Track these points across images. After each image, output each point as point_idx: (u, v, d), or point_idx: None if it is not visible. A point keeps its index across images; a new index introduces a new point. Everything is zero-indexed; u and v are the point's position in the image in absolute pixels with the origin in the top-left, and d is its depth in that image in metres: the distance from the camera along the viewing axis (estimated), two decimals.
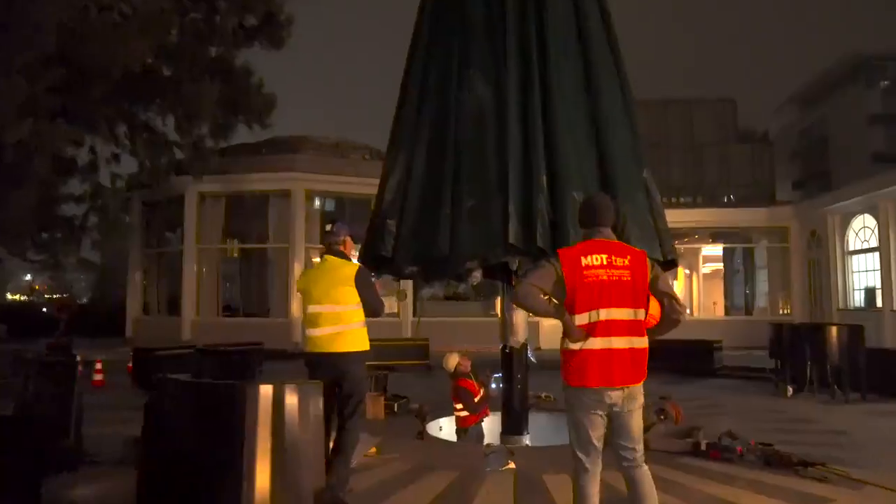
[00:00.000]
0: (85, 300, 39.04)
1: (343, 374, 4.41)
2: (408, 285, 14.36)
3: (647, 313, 3.38)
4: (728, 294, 21.83)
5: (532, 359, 7.39)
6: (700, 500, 4.66)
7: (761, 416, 7.96)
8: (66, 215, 14.75)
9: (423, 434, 6.73)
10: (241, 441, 2.99)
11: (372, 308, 4.56)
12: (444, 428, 8.00)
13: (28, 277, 56.16)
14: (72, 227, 14.52)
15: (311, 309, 4.50)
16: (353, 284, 4.41)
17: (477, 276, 6.06)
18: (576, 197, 5.79)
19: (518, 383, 7.19)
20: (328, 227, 4.67)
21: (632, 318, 3.32)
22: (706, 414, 7.68)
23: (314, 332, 4.46)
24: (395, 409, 8.07)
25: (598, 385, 3.26)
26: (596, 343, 3.27)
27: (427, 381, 11.10)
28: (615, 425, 3.36)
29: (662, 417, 6.89)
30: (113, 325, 20.27)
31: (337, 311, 4.41)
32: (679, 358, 12.02)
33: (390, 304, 18.65)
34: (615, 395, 3.28)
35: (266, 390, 3.09)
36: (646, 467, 3.38)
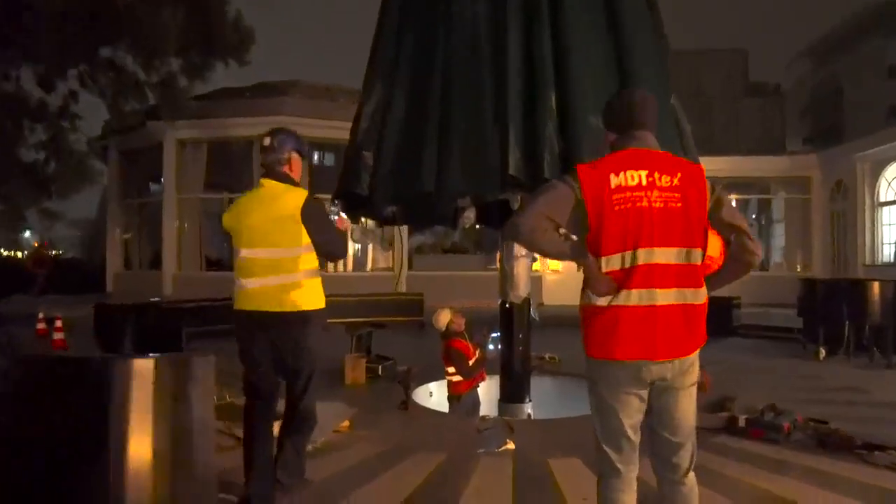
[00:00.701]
0: (71, 255, 38.10)
1: (288, 342, 3.30)
2: (400, 237, 13.34)
3: (704, 254, 2.35)
4: None
5: (535, 316, 6.39)
6: (750, 497, 3.69)
7: (795, 383, 6.99)
8: (27, 161, 13.60)
9: (407, 404, 5.78)
10: (106, 426, 2.08)
11: (327, 250, 3.43)
12: (435, 394, 7.06)
13: (27, 235, 55.24)
14: (34, 175, 13.39)
15: (245, 254, 3.33)
16: (300, 219, 3.25)
17: (469, 216, 5.01)
18: (593, 123, 4.69)
19: (519, 343, 6.22)
20: (265, 141, 3.41)
21: (684, 261, 2.29)
22: (733, 380, 6.72)
23: (248, 285, 3.30)
24: (380, 373, 7.13)
25: (635, 357, 2.25)
26: (632, 297, 2.25)
27: (419, 341, 10.16)
28: (656, 410, 2.37)
29: None
30: (97, 280, 19.34)
31: (278, 257, 3.26)
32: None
33: (383, 258, 17.69)
34: (659, 371, 2.27)
35: (143, 366, 2.13)
36: (693, 481, 2.40)
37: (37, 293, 18.37)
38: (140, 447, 2.13)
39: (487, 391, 6.67)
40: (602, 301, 2.27)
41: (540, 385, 6.72)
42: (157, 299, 14.11)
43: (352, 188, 5.45)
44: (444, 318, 6.48)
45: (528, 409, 6.23)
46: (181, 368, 2.24)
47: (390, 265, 17.25)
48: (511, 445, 4.48)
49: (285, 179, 3.41)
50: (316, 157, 19.58)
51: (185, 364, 2.27)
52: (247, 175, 17.76)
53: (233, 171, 18.08)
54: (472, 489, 3.80)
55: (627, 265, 2.25)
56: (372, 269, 18.90)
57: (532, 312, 6.36)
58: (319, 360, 3.45)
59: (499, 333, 6.46)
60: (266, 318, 3.26)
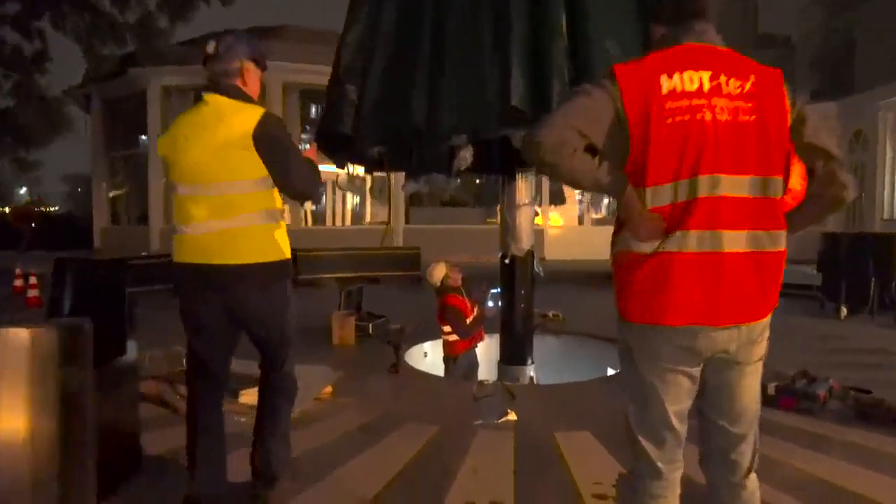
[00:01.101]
0: (62, 210, 37.45)
1: (247, 304, 2.61)
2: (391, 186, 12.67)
3: (786, 185, 1.76)
4: None
5: (539, 270, 5.84)
6: (788, 481, 3.17)
7: (816, 344, 6.48)
8: None
9: (397, 367, 5.26)
10: None
11: (292, 187, 2.63)
12: (430, 354, 6.56)
13: (23, 191, 54.57)
14: (3, 124, 12.63)
15: (184, 191, 2.59)
16: (254, 145, 2.49)
17: (466, 157, 4.39)
18: (611, 49, 4.04)
19: (521, 300, 5.69)
20: (209, 47, 2.62)
21: (759, 194, 1.69)
22: None
23: (189, 231, 2.58)
24: (370, 332, 6.61)
25: (691, 322, 1.68)
26: (689, 241, 1.67)
27: (415, 297, 9.63)
28: (712, 391, 1.82)
29: None
30: (85, 236, 18.77)
31: (228, 195, 2.52)
32: None
33: (384, 211, 17.06)
34: (721, 340, 1.71)
35: (16, 336, 1.57)
36: (755, 484, 1.85)
37: (23, 249, 17.84)
38: (13, 421, 1.63)
39: (486, 352, 6.16)
40: (646, 247, 1.70)
41: (543, 345, 6.22)
42: (144, 254, 13.58)
43: (334, 127, 4.82)
44: (438, 272, 5.93)
45: (531, 371, 5.74)
46: (61, 337, 1.69)
47: (386, 219, 16.66)
48: (512, 416, 3.97)
49: (236, 94, 2.61)
50: (313, 109, 18.78)
51: (64, 333, 1.72)
52: None
53: None
54: (467, 469, 3.29)
55: (682, 198, 1.66)
56: (370, 223, 18.34)
57: (536, 267, 5.80)
58: (292, 322, 2.78)
59: (499, 290, 5.92)
60: (215, 274, 2.54)
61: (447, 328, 5.81)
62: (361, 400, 4.45)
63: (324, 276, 11.22)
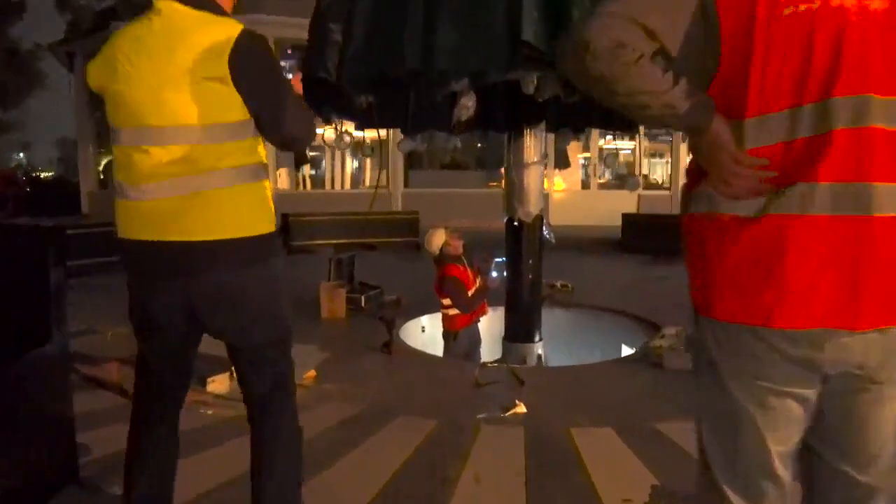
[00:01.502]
0: (53, 175, 36.70)
1: (219, 296, 1.85)
2: (385, 147, 12.00)
3: None
4: None
5: (549, 237, 5.25)
6: None
7: None
8: None
9: (390, 346, 4.70)
10: None
11: (284, 129, 1.88)
12: (428, 329, 6.01)
13: (21, 155, 53.70)
14: None
15: (128, 138, 1.81)
16: (229, 73, 1.73)
17: (468, 105, 3.75)
18: None
19: (528, 270, 5.12)
20: None
21: None
22: None
23: (136, 196, 1.81)
24: (363, 304, 6.05)
25: (817, 323, 1.10)
26: (818, 199, 1.07)
27: (413, 265, 9.05)
28: (830, 424, 1.23)
29: None
30: (76, 202, 18.13)
31: (192, 145, 1.76)
32: None
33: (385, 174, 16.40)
34: (858, 350, 1.12)
35: None
36: None
37: (9, 214, 17.24)
38: None
39: (489, 326, 5.62)
40: (745, 207, 1.11)
41: (550, 319, 5.66)
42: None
43: (315, 72, 4.16)
44: (437, 239, 5.34)
45: (539, 349, 5.20)
46: None
47: (386, 183, 16.03)
48: (521, 409, 3.42)
49: (202, 2, 1.81)
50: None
51: None
52: None
53: None
54: (468, 477, 2.75)
55: (805, 133, 1.07)
56: (370, 186, 17.70)
57: (545, 233, 5.21)
58: (284, 318, 2.00)
59: (504, 258, 5.34)
60: (175, 256, 1.79)
61: (447, 301, 5.24)
62: (348, 387, 3.91)
63: (317, 242, 10.64)
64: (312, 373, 4.01)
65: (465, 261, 5.32)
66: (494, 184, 15.44)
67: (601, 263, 9.69)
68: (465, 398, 3.69)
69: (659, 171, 21.25)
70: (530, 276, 5.13)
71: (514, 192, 5.00)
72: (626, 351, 5.68)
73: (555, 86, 3.63)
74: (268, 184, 1.95)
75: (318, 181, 20.85)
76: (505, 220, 5.17)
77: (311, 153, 21.51)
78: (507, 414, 3.38)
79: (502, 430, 3.21)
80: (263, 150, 1.93)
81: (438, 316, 5.49)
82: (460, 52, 3.52)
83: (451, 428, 3.25)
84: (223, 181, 1.80)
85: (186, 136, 1.76)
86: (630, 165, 18.85)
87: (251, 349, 1.95)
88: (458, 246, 5.30)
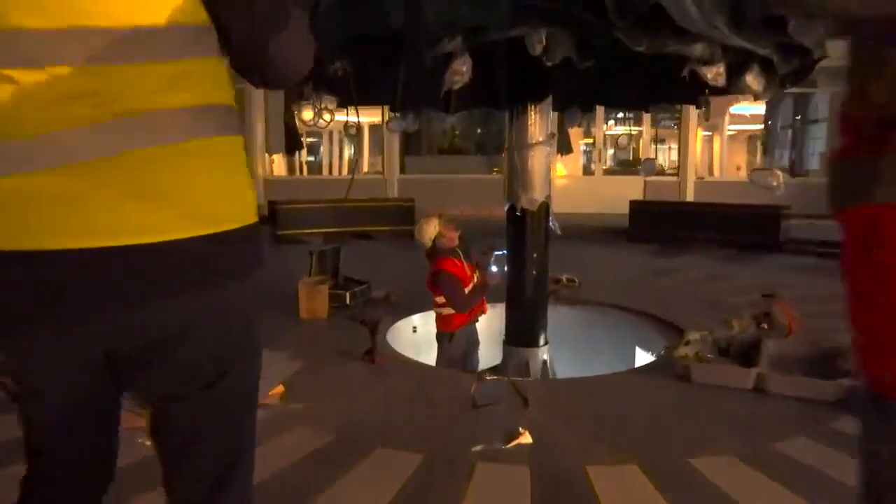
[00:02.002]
0: None
1: (163, 341, 1.09)
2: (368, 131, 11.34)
3: None
4: (772, 153, 18.57)
5: (555, 227, 4.65)
6: None
7: None
8: None
9: (373, 354, 4.10)
10: None
11: (260, 43, 1.08)
12: (420, 329, 5.41)
13: None
14: None
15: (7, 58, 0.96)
16: None
17: (462, 70, 3.12)
18: None
19: (532, 265, 4.53)
20: None
21: None
22: (817, 316, 5.03)
23: (5, 163, 0.97)
24: (348, 302, 5.44)
25: None
26: None
27: (408, 254, 8.40)
28: None
29: (765, 327, 4.23)
30: None
31: (118, 65, 0.98)
32: (733, 228, 9.34)
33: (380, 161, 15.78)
34: None
35: None
36: None
37: None
38: None
39: (488, 324, 5.02)
40: None
41: (555, 317, 5.06)
42: None
43: None
44: (430, 230, 4.72)
45: (544, 354, 4.61)
46: None
47: (380, 169, 15.40)
48: (526, 438, 2.82)
49: None
50: None
51: None
52: None
53: None
54: None
55: None
56: (367, 172, 17.08)
57: (551, 223, 4.61)
58: (256, 367, 1.26)
59: (505, 251, 4.75)
60: (88, 273, 1.01)
61: (441, 299, 4.64)
62: (320, 406, 3.31)
63: (307, 231, 10.03)
64: (280, 389, 3.42)
65: (461, 254, 4.71)
66: (497, 169, 14.82)
67: (607, 254, 9.08)
68: (458, 422, 3.09)
69: (660, 157, 20.60)
70: (534, 272, 4.54)
71: (517, 177, 4.39)
72: (641, 355, 5.09)
73: (567, 46, 3.01)
74: (241, 140, 1.17)
75: (315, 168, 20.22)
76: (506, 208, 4.57)
77: (310, 139, 20.85)
78: (509, 445, 2.78)
79: (503, 470, 2.61)
80: (232, 86, 1.16)
81: (432, 315, 4.90)
82: (451, 5, 2.89)
83: (440, 465, 2.65)
84: (177, 132, 1.04)
85: (100, 44, 0.98)
86: (635, 151, 18.18)
87: (201, 423, 1.19)
88: (453, 237, 4.70)
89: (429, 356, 4.80)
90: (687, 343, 3.96)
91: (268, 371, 3.40)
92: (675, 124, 15.30)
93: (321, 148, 20.38)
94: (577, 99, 5.25)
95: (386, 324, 4.83)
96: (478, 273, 4.72)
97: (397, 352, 4.50)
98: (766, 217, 9.17)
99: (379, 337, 4.22)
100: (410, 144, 17.48)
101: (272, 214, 10.17)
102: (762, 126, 18.85)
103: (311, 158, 20.23)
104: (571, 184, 15.85)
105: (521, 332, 4.65)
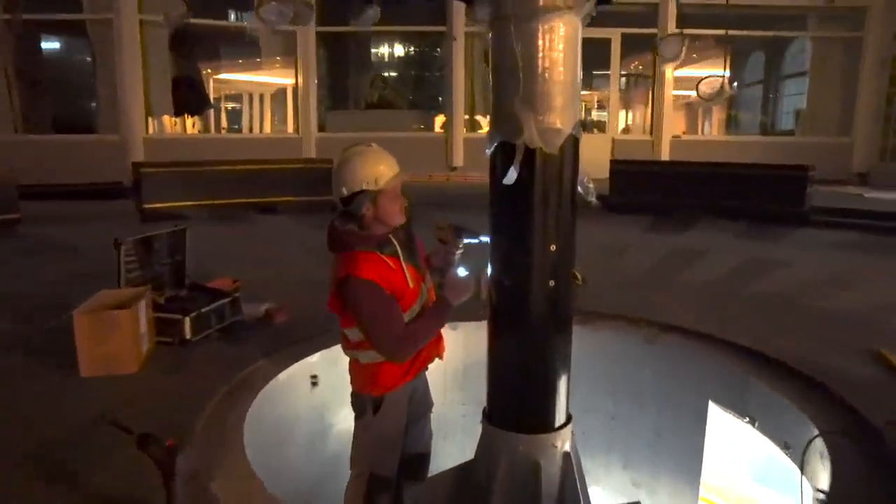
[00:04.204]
0: None
1: None
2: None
3: None
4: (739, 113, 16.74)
5: (587, 190, 2.30)
6: None
7: None
8: None
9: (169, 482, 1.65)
10: None
11: None
12: (323, 382, 3.01)
13: None
14: None
15: None
16: None
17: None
18: None
19: (549, 265, 2.16)
20: None
21: None
22: None
23: None
24: (187, 334, 2.98)
25: None
26: None
27: (322, 237, 5.97)
28: None
29: None
30: None
31: None
32: (749, 193, 7.31)
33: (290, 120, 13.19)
34: None
35: None
36: None
37: None
38: None
39: (450, 381, 2.68)
40: None
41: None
42: None
43: None
44: (364, 169, 2.26)
45: (566, 444, 2.29)
46: None
47: (296, 128, 12.72)
48: None
49: None
50: None
51: None
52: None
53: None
54: None
55: None
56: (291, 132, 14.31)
57: (583, 181, 2.26)
58: None
59: (483, 237, 2.37)
60: None
61: (354, 333, 2.27)
62: None
63: (187, 204, 7.38)
64: None
65: (398, 246, 2.31)
66: (422, 127, 12.49)
67: (591, 232, 6.84)
68: None
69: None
70: (552, 280, 2.17)
71: (515, 85, 1.99)
72: (722, 417, 2.86)
73: None
74: None
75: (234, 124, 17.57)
76: (488, 152, 2.18)
77: (230, 104, 18.01)
78: None
79: None
80: None
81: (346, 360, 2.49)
82: None
83: None
84: None
85: None
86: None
87: None
88: (394, 210, 2.28)
89: (339, 438, 2.44)
90: None
91: None
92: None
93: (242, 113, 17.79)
94: None
95: (260, 371, 2.43)
96: (427, 277, 2.39)
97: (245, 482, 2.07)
98: (790, 177, 7.15)
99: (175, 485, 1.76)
100: (334, 98, 14.83)
101: (136, 181, 7.46)
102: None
103: (236, 127, 17.66)
104: None
105: (517, 400, 2.30)
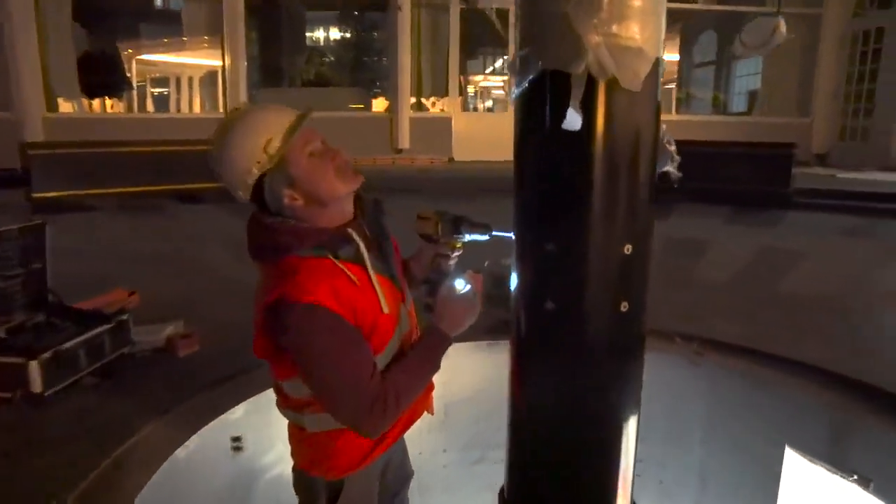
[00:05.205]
0: None
1: None
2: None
3: None
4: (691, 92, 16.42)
5: (672, 164, 1.48)
6: None
7: None
8: None
9: None
10: None
11: None
12: (251, 443, 2.11)
13: None
14: None
15: None
16: None
17: None
18: None
19: (617, 278, 1.31)
20: None
21: None
22: None
23: None
24: (39, 388, 2.02)
25: None
26: None
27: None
28: None
29: None
30: None
31: None
32: (729, 174, 6.71)
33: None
34: None
35: None
36: None
37: None
38: None
39: (427, 419, 1.82)
40: None
41: None
42: None
43: None
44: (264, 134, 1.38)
45: None
46: None
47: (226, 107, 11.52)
48: None
49: None
50: None
51: None
52: None
53: None
54: None
55: None
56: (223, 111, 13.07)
57: (664, 138, 1.43)
58: None
59: (493, 233, 1.53)
60: None
61: (294, 387, 1.40)
62: None
63: (85, 192, 6.23)
64: None
65: (361, 246, 1.43)
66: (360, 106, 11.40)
67: None
68: None
69: None
70: (625, 303, 1.34)
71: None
72: (808, 470, 2.11)
73: None
74: None
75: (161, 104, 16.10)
76: (516, 91, 1.32)
77: (158, 89, 16.52)
78: None
79: None
80: None
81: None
82: None
83: None
84: None
85: None
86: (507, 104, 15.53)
87: None
88: (346, 184, 1.41)
89: None
90: None
91: None
92: None
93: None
94: None
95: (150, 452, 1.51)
96: (407, 297, 1.55)
97: None
98: (773, 156, 6.58)
99: None
100: (267, 76, 13.66)
101: (26, 166, 6.25)
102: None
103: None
104: (476, 126, 12.60)
105: (561, 484, 1.47)
